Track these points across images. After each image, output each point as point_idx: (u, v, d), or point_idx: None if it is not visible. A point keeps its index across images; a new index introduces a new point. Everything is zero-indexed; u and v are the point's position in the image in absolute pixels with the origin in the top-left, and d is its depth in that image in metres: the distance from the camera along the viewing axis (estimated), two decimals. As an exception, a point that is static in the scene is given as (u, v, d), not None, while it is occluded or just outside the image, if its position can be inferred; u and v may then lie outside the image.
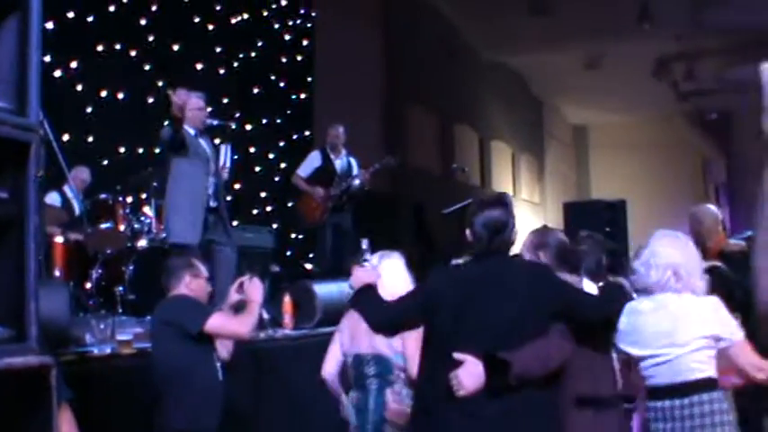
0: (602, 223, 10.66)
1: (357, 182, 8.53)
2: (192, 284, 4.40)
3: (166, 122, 6.10)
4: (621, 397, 3.83)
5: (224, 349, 4.49)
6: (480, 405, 3.21)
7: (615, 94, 19.01)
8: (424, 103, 14.79)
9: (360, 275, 3.68)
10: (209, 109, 6.71)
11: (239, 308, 4.64)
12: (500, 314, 3.29)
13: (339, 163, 8.63)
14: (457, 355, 3.22)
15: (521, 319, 3.29)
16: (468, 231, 3.47)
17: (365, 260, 3.97)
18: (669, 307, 3.48)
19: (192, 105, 6.28)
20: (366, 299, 3.61)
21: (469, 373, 3.20)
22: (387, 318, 3.55)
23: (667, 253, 3.59)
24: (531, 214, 19.42)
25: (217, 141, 6.83)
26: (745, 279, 5.83)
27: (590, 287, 3.85)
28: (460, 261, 4.49)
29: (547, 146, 21.31)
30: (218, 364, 4.40)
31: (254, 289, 4.45)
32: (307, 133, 11.53)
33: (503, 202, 3.53)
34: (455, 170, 13.12)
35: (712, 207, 6.61)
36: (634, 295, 3.69)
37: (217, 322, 4.19)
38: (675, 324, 3.43)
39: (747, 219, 11.37)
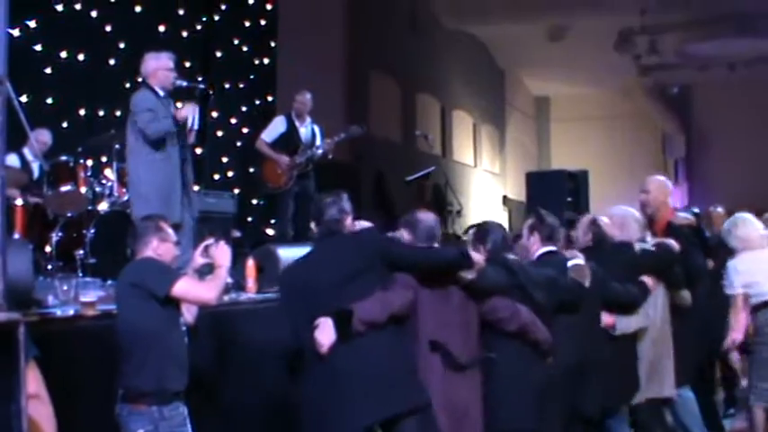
0: (563, 193, 10.77)
1: (321, 150, 8.50)
2: (159, 248, 4.35)
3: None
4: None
5: (188, 313, 4.47)
6: (337, 354, 3.91)
7: (578, 67, 19.11)
8: (387, 71, 14.78)
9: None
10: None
11: (204, 272, 4.64)
12: (338, 279, 4.03)
13: (304, 130, 8.58)
14: (315, 323, 3.93)
15: (356, 276, 4.05)
16: (313, 224, 4.36)
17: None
18: None
19: (161, 65, 6.21)
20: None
21: (322, 331, 3.91)
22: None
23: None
24: (492, 184, 19.54)
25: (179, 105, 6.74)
26: (690, 254, 5.94)
27: None
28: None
29: (508, 116, 21.39)
30: (184, 329, 4.39)
31: (222, 253, 4.41)
32: (270, 99, 11.46)
33: (340, 197, 4.36)
34: (419, 136, 13.17)
35: (662, 177, 6.62)
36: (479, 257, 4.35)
37: (183, 286, 4.16)
38: None
39: (705, 195, 11.55)
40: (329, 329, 3.90)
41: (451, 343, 4.21)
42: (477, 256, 4.30)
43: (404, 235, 4.47)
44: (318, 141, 8.59)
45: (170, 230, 4.48)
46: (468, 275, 4.21)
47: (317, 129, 8.68)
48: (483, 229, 4.84)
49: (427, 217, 4.52)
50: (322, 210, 4.30)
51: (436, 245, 4.51)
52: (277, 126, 8.63)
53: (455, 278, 4.24)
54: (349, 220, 4.33)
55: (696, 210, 7.53)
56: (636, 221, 5.67)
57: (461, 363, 4.23)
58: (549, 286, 4.70)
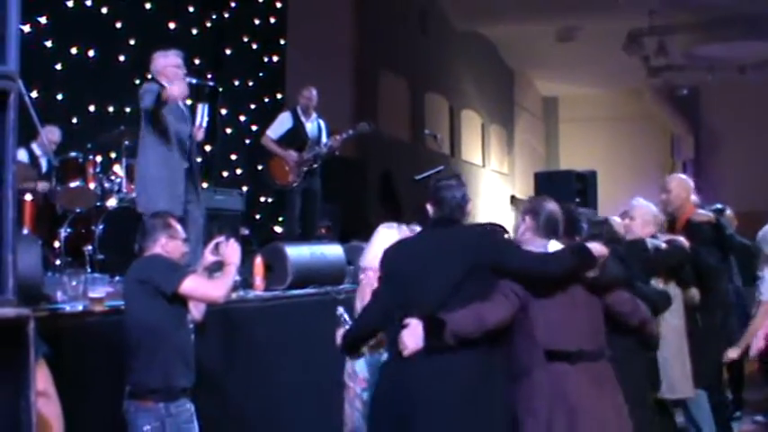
0: (572, 194, 10.70)
1: (328, 147, 8.49)
2: (168, 246, 4.36)
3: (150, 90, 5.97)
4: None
5: (196, 310, 4.48)
6: (419, 362, 3.58)
7: (587, 68, 19.06)
8: (396, 70, 14.76)
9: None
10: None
11: (213, 270, 4.64)
12: (443, 279, 3.70)
13: (310, 126, 8.55)
14: (405, 321, 3.61)
15: (462, 282, 3.69)
16: (430, 205, 3.96)
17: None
18: None
19: (169, 63, 6.21)
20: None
21: (410, 334, 3.57)
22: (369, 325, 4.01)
23: None
24: (500, 184, 19.52)
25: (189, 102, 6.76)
26: (706, 252, 5.89)
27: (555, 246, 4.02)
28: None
29: (517, 117, 21.35)
30: (191, 326, 4.41)
31: (232, 251, 4.41)
32: (279, 96, 11.46)
33: (462, 182, 4.02)
34: (427, 136, 13.14)
35: (682, 176, 6.60)
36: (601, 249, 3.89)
37: (192, 284, 4.17)
38: None
39: (714, 196, 11.51)
40: (418, 335, 3.57)
41: (584, 348, 3.80)
42: (599, 248, 3.88)
43: (526, 221, 4.07)
44: (324, 137, 8.56)
45: (179, 227, 4.48)
46: (591, 273, 3.85)
47: (322, 124, 8.64)
48: (533, 201, 4.32)
49: (553, 206, 4.10)
50: (444, 191, 3.93)
51: (555, 243, 4.04)
52: (283, 122, 8.59)
53: (577, 277, 3.85)
54: (468, 210, 4.01)
55: (720, 206, 7.44)
56: (655, 217, 5.67)
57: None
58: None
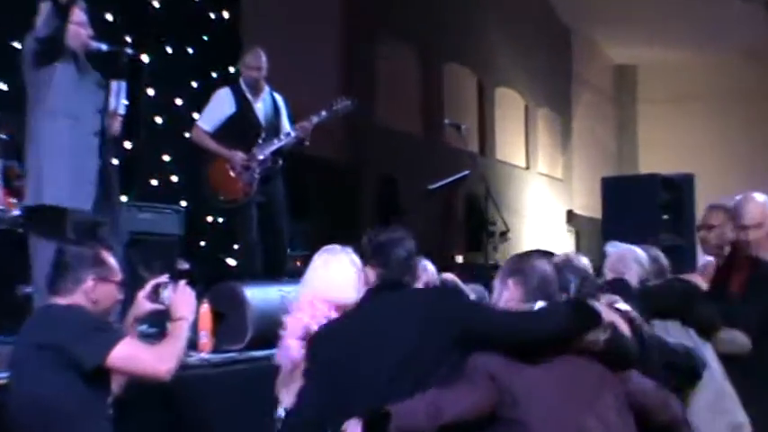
0: (656, 208, 10.80)
1: (295, 138, 8.36)
2: (96, 291, 4.31)
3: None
4: None
5: (114, 382, 4.43)
6: None
7: (679, 22, 19.05)
8: (400, 33, 14.86)
9: None
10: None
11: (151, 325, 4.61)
12: (393, 358, 3.97)
13: (261, 107, 8.46)
14: (344, 426, 3.79)
15: (413, 360, 3.97)
16: (370, 267, 4.30)
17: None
18: None
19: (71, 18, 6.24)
20: None
21: None
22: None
23: None
24: (551, 194, 19.50)
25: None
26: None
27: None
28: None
29: (576, 96, 21.46)
30: (111, 411, 4.35)
31: (184, 299, 4.43)
32: (231, 69, 11.40)
33: (408, 235, 4.34)
34: (447, 127, 13.13)
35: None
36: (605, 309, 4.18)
37: (125, 353, 4.11)
38: None
39: None
40: None
41: None
42: (607, 309, 4.17)
43: (509, 287, 4.34)
44: (286, 122, 8.50)
45: (113, 263, 4.44)
46: (602, 336, 4.00)
47: (279, 99, 8.62)
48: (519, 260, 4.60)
49: (542, 264, 4.38)
50: (385, 247, 4.27)
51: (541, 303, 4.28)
52: (220, 106, 8.43)
53: (582, 344, 4.01)
54: (419, 269, 4.35)
55: None
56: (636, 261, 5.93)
57: None
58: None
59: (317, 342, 4.23)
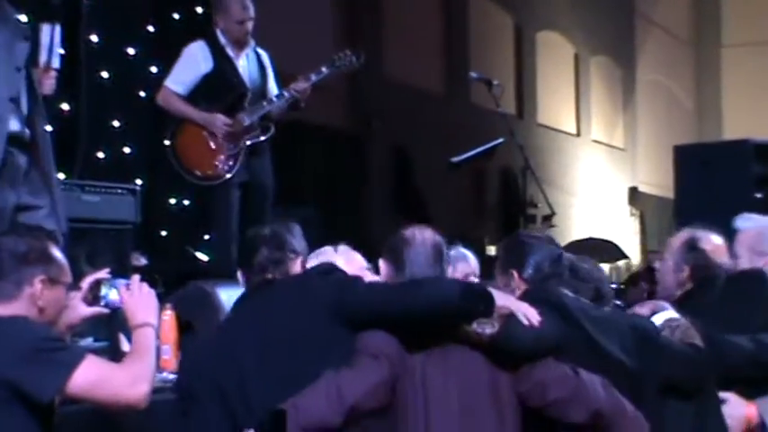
0: (747, 182, 10.74)
1: (287, 100, 8.36)
2: (43, 296, 4.22)
3: None
4: None
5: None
6: None
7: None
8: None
9: None
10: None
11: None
12: (276, 356, 4.44)
13: (245, 64, 8.52)
14: None
15: (303, 350, 4.42)
16: (241, 272, 4.88)
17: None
18: None
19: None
20: None
21: None
22: None
23: None
24: (610, 166, 19.43)
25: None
26: None
27: None
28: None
29: (640, 42, 21.49)
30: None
31: (142, 300, 4.45)
32: (198, 10, 11.34)
33: (277, 231, 4.87)
34: (474, 82, 13.06)
35: None
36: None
37: (90, 376, 4.05)
38: None
39: None
40: None
41: None
42: (502, 296, 4.44)
43: (382, 269, 4.81)
44: (273, 84, 8.55)
45: (63, 260, 4.36)
46: (487, 329, 4.34)
47: (264, 56, 8.72)
48: (517, 245, 5.12)
49: (424, 236, 4.77)
50: (252, 248, 4.80)
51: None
52: (194, 63, 8.47)
53: (466, 334, 4.38)
54: (296, 264, 4.78)
55: None
56: None
57: None
58: (654, 350, 4.88)
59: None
